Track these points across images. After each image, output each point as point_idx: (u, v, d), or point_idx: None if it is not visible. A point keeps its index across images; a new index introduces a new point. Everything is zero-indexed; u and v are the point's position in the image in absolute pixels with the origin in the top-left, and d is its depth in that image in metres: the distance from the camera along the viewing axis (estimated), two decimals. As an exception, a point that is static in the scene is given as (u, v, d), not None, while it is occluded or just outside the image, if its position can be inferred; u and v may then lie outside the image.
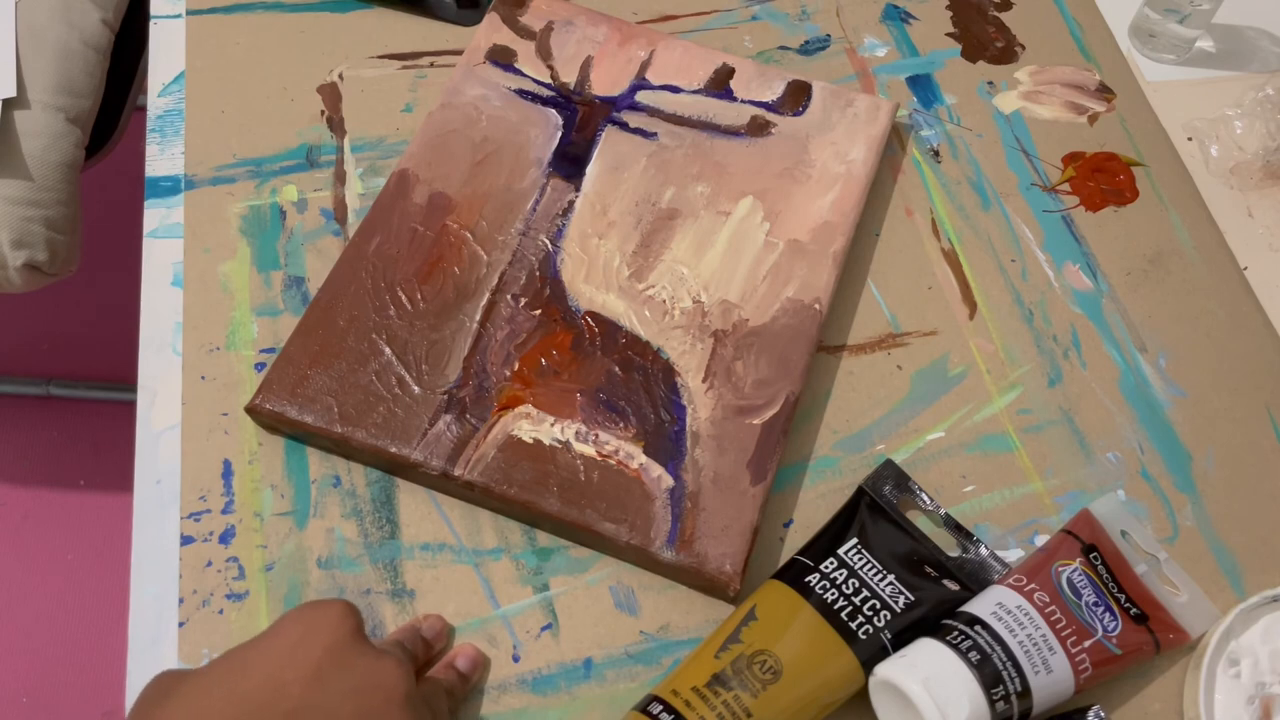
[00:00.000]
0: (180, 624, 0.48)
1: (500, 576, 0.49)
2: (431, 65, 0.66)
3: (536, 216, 0.58)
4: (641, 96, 0.62)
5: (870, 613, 0.46)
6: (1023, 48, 0.69)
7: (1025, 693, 0.43)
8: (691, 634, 0.48)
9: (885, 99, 0.63)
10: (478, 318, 0.54)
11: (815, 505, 0.52)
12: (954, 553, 0.49)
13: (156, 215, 0.59)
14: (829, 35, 0.69)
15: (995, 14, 0.71)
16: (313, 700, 0.37)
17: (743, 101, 0.62)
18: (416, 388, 0.52)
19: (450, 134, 0.60)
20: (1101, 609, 0.46)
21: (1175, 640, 0.47)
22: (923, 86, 0.67)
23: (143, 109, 0.66)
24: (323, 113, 0.63)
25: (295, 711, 0.37)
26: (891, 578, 0.47)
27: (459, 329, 0.54)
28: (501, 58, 0.63)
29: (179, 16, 0.67)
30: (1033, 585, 0.46)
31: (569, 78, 0.63)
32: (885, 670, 0.44)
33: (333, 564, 0.49)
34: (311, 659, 0.38)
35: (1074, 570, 0.47)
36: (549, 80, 0.63)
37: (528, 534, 0.51)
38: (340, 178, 0.61)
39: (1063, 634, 0.45)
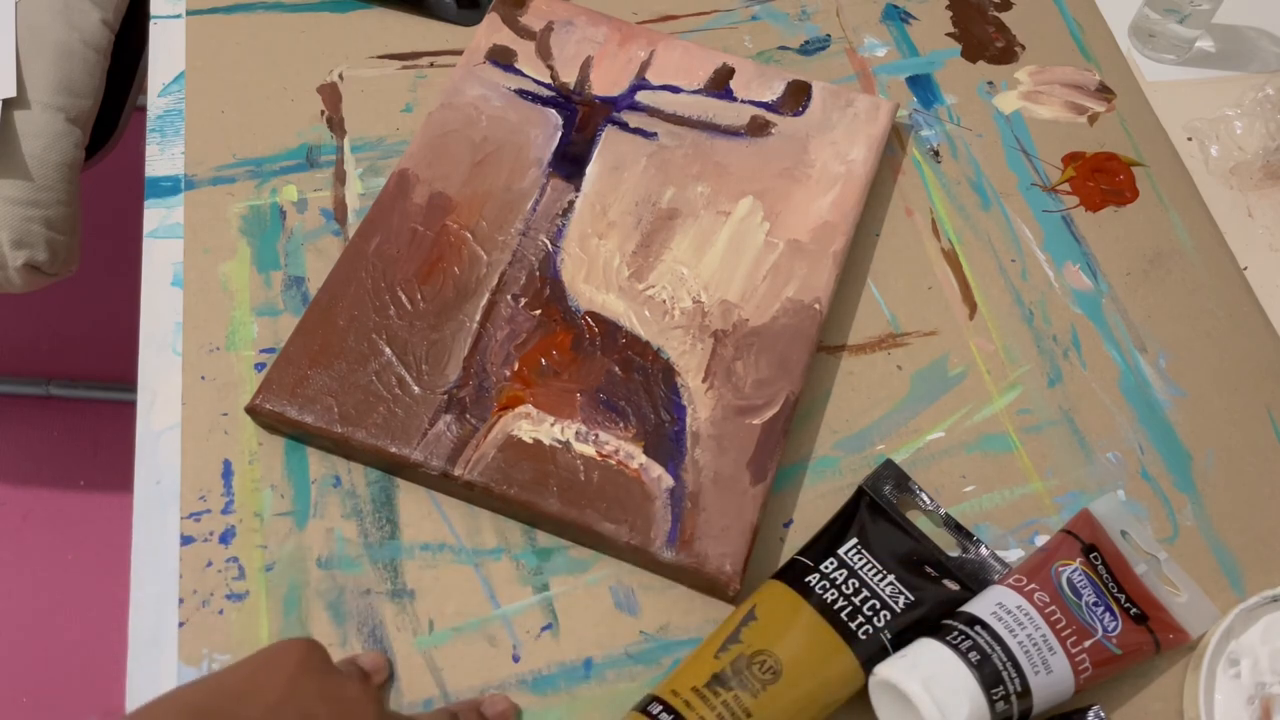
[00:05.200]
0: (180, 624, 0.48)
1: (500, 576, 0.49)
2: (431, 65, 0.66)
3: (536, 216, 0.58)
4: (641, 96, 0.62)
5: (870, 613, 0.46)
6: (1023, 48, 0.69)
7: (1025, 693, 0.43)
8: (691, 634, 0.48)
9: (885, 99, 0.63)
10: (478, 318, 0.54)
11: (815, 505, 0.52)
12: (954, 553, 0.49)
13: (156, 215, 0.59)
14: (829, 35, 0.69)
15: (995, 14, 0.71)
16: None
17: (743, 101, 0.62)
18: (416, 388, 0.52)
19: (450, 134, 0.60)
20: (1101, 609, 0.46)
21: (1175, 640, 0.47)
22: (923, 86, 0.67)
23: (143, 109, 0.66)
24: (323, 113, 0.63)
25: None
26: (891, 578, 0.47)
27: (459, 329, 0.54)
28: (501, 58, 0.63)
29: (179, 16, 0.67)
30: (1033, 585, 0.46)
31: (569, 78, 0.63)
32: (885, 670, 0.44)
33: (333, 564, 0.49)
34: (276, 685, 0.39)
35: (1074, 570, 0.47)
36: (549, 80, 0.63)
37: (528, 534, 0.51)
38: (340, 178, 0.61)
39: (1063, 634, 0.45)
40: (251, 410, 0.51)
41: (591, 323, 0.54)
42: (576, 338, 0.54)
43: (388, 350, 0.53)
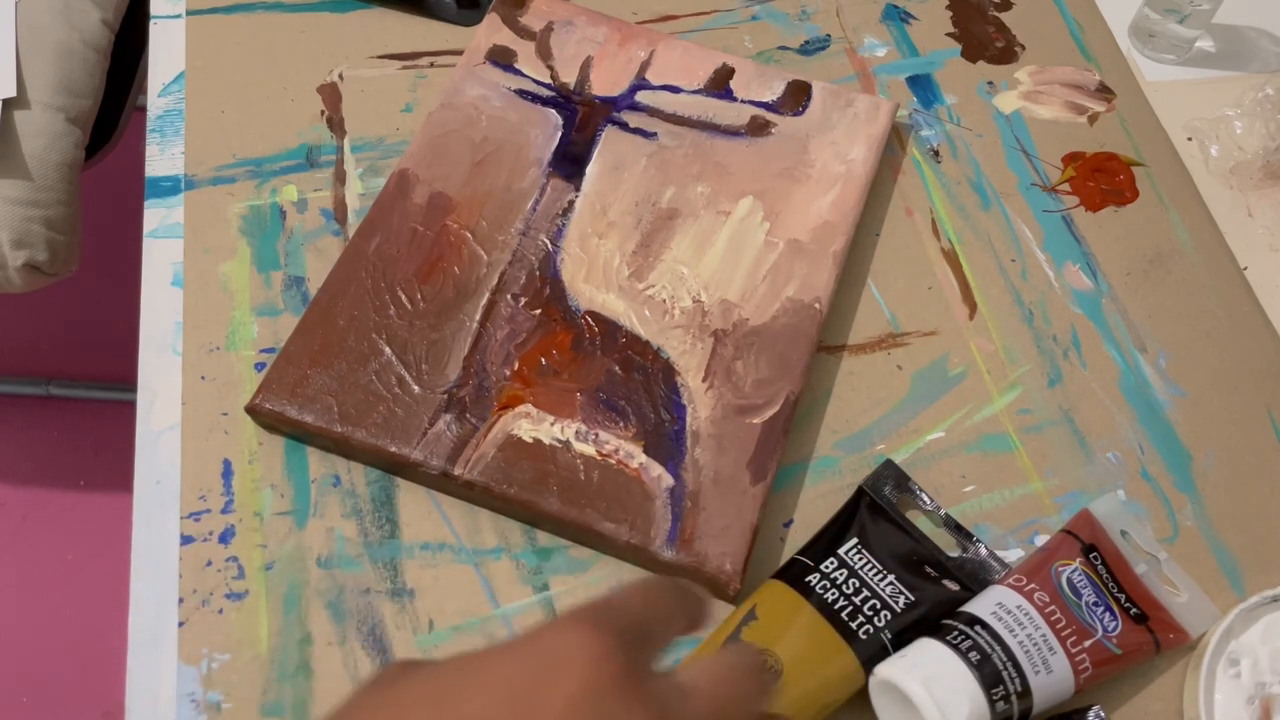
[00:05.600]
0: (180, 624, 0.47)
1: (500, 576, 0.49)
2: (431, 65, 0.66)
3: (536, 216, 0.58)
4: (641, 96, 0.62)
5: (870, 613, 0.46)
6: (1023, 48, 0.69)
7: (1025, 693, 0.43)
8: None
9: (885, 99, 0.63)
10: (478, 317, 0.54)
11: (815, 505, 0.52)
12: (954, 553, 0.49)
13: (156, 215, 0.59)
14: (829, 35, 0.69)
15: (995, 14, 0.71)
16: None
17: (743, 101, 0.62)
18: (416, 387, 0.52)
19: (450, 134, 0.60)
20: (1101, 609, 0.46)
21: (1175, 640, 0.47)
22: (923, 86, 0.67)
23: (143, 109, 0.66)
24: (323, 113, 0.63)
25: None
26: (891, 578, 0.47)
27: (459, 329, 0.54)
28: (501, 58, 0.63)
29: (179, 16, 0.67)
30: (1033, 585, 0.46)
31: (569, 78, 0.63)
32: (885, 670, 0.44)
33: (333, 563, 0.49)
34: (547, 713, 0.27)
35: (1074, 570, 0.47)
36: (549, 80, 0.63)
37: (528, 534, 0.50)
38: (340, 178, 0.61)
39: (1063, 634, 0.45)
40: (251, 410, 0.51)
41: (591, 322, 0.54)
42: (576, 337, 0.54)
43: (388, 350, 0.53)
